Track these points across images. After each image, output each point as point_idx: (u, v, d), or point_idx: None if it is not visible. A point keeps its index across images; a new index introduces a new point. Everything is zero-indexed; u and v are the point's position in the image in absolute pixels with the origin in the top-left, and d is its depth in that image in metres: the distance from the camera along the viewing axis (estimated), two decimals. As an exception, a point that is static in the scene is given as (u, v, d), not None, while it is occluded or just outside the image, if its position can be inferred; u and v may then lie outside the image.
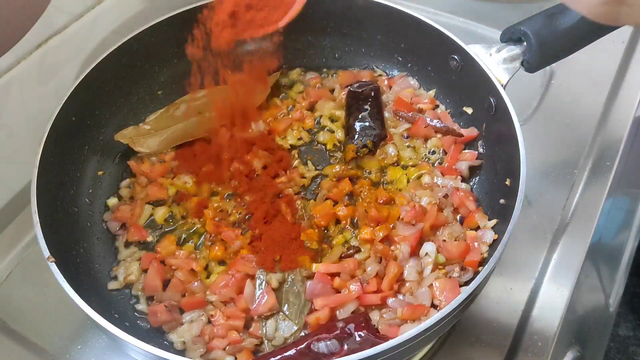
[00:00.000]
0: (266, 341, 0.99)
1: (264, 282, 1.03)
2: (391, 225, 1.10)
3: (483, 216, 1.09)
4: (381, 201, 1.14)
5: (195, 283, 1.05)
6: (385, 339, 0.88)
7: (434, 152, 1.23)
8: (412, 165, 1.21)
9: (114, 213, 1.16)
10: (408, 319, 0.98)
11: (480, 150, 1.20)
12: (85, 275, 1.05)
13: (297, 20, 1.35)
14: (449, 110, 1.28)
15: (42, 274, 1.12)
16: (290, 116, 1.30)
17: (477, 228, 1.08)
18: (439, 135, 1.24)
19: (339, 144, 1.27)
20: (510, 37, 1.12)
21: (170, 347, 1.00)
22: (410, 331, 0.82)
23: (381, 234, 1.07)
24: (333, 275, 1.03)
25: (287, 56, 1.39)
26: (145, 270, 1.08)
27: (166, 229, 1.15)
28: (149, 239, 1.14)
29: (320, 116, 1.30)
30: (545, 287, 1.14)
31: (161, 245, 1.11)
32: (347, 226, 1.12)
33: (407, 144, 1.25)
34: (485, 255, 1.03)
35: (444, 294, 1.00)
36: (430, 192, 1.14)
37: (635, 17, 0.68)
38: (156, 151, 1.24)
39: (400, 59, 1.35)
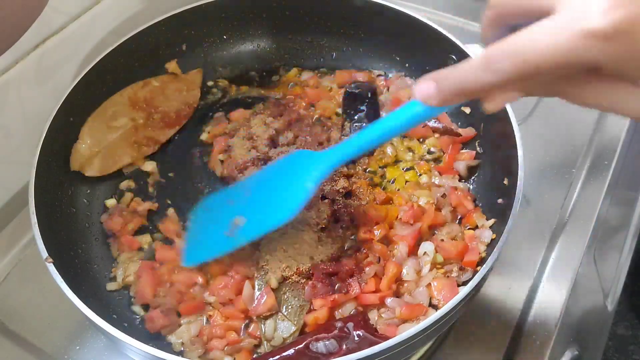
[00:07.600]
0: (265, 341, 0.99)
1: (263, 283, 1.03)
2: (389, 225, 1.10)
3: (481, 216, 1.09)
4: (379, 201, 1.14)
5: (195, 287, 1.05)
6: (384, 338, 0.88)
7: (431, 152, 1.23)
8: (410, 165, 1.21)
9: (106, 223, 1.13)
10: (407, 319, 0.98)
11: (478, 149, 1.20)
12: (83, 276, 1.05)
13: (295, 20, 1.35)
14: (446, 110, 1.28)
15: (41, 275, 1.12)
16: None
17: (476, 227, 1.09)
18: (436, 135, 1.24)
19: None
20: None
21: (168, 348, 1.00)
22: (409, 331, 0.82)
23: (378, 233, 1.07)
24: (332, 275, 1.03)
25: (285, 56, 1.40)
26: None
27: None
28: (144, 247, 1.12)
29: (318, 117, 1.30)
30: (544, 287, 1.14)
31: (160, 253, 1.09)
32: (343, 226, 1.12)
33: (405, 144, 1.25)
34: (484, 254, 1.03)
35: (442, 293, 1.00)
36: (428, 191, 1.14)
37: None
38: (102, 173, 1.13)
39: (397, 58, 1.35)
